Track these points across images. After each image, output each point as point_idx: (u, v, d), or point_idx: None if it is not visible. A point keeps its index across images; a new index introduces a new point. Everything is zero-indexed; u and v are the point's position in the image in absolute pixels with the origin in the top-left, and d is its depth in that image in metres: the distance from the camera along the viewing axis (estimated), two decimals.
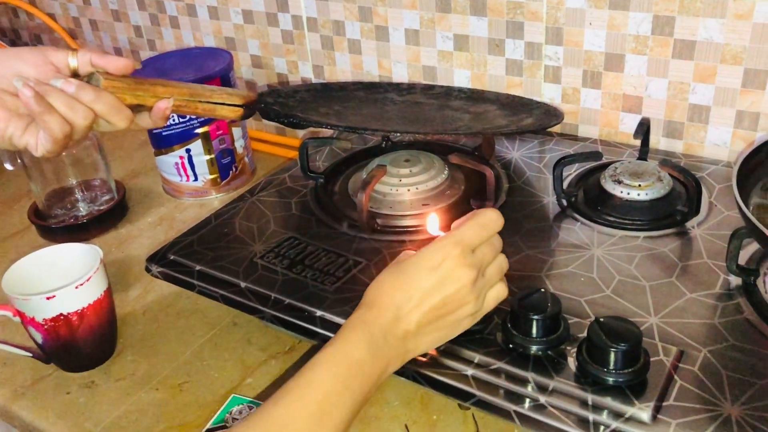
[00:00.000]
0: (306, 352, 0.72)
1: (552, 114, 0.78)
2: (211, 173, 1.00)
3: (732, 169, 0.77)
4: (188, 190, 1.02)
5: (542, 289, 0.57)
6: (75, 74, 0.62)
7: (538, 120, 0.74)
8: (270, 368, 0.71)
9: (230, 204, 0.82)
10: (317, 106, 0.79)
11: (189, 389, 0.70)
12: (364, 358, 0.49)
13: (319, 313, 0.63)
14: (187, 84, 0.67)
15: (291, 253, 0.71)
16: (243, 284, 0.68)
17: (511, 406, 0.53)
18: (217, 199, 1.02)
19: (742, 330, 0.57)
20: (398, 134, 0.71)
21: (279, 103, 0.77)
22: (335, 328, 0.62)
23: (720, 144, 0.82)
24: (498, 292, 0.56)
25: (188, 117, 0.95)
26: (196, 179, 1.00)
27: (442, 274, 0.52)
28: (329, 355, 0.48)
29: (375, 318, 0.51)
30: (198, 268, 0.71)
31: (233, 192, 1.02)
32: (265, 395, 0.68)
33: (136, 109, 0.63)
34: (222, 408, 0.66)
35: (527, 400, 0.53)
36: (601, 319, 0.54)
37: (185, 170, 1.00)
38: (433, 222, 0.59)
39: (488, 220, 0.55)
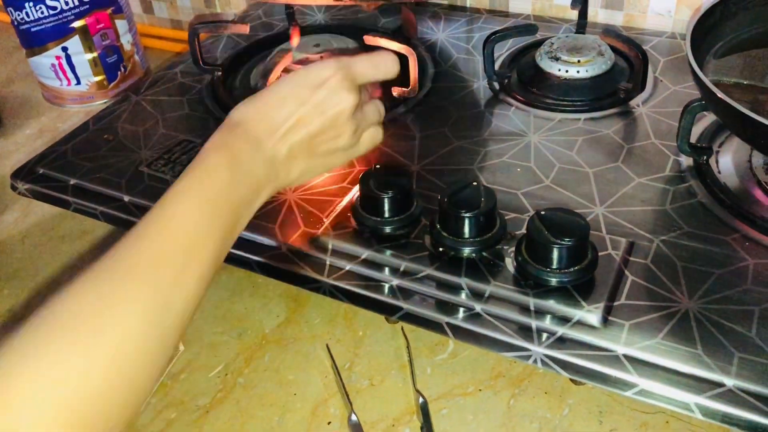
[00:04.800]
0: None
1: None
2: (95, 75, 0.87)
3: (680, 41, 0.70)
4: (71, 95, 0.88)
5: (474, 183, 0.49)
6: None
7: None
8: None
9: (111, 106, 0.70)
10: None
11: None
12: (228, 183, 0.41)
13: None
14: None
15: (183, 159, 0.61)
16: (127, 198, 0.58)
17: (442, 318, 0.46)
18: (106, 105, 0.88)
19: (696, 215, 0.51)
20: None
21: None
22: (237, 240, 0.53)
23: (663, 13, 0.74)
24: (373, 134, 0.48)
25: (60, 8, 0.81)
26: (78, 83, 0.87)
27: (324, 94, 0.44)
28: (190, 185, 0.40)
29: (239, 138, 0.43)
30: (73, 182, 0.60)
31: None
32: None
33: None
34: None
35: (461, 309, 0.46)
36: (542, 212, 0.46)
37: (64, 72, 0.86)
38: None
39: (383, 61, 0.47)
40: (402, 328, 0.54)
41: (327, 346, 0.54)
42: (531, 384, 0.51)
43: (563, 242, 0.44)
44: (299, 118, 0.44)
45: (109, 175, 0.60)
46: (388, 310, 0.48)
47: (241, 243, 0.53)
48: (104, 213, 0.58)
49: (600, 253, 0.47)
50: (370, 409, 0.50)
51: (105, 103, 0.88)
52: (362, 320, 0.56)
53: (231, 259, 0.53)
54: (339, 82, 0.44)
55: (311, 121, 0.44)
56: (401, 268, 0.49)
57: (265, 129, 0.43)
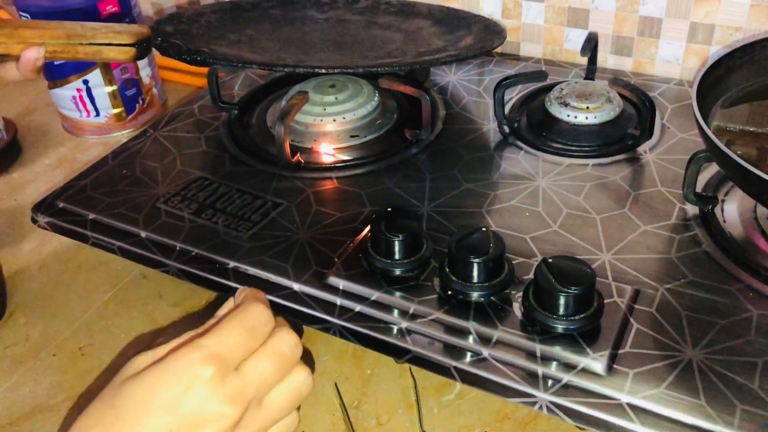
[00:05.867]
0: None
1: (493, 31, 0.70)
2: (114, 107, 0.89)
3: (687, 88, 0.71)
4: (90, 127, 0.90)
5: (483, 228, 0.50)
6: None
7: (479, 39, 0.66)
8: (184, 327, 0.63)
9: (130, 141, 0.72)
10: (226, 31, 0.69)
11: (91, 353, 0.61)
12: None
13: (231, 264, 0.55)
14: (62, 23, 0.56)
15: (200, 196, 0.62)
16: (144, 234, 0.59)
17: (450, 362, 0.47)
18: (124, 137, 0.91)
19: (701, 264, 0.52)
20: (323, 71, 0.61)
21: (180, 32, 0.67)
22: (250, 280, 0.54)
23: (672, 61, 0.75)
24: (287, 426, 0.39)
25: None
26: (97, 115, 0.89)
27: (181, 418, 0.33)
28: None
29: None
30: (92, 216, 0.62)
31: (143, 128, 0.91)
32: None
33: None
34: None
35: (468, 354, 0.47)
36: (549, 260, 0.47)
37: (84, 105, 0.88)
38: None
39: (255, 320, 0.38)
40: (410, 369, 0.55)
41: (336, 385, 0.55)
42: (536, 427, 0.51)
43: (570, 290, 0.45)
44: None
45: (127, 211, 0.61)
46: (396, 353, 0.49)
47: (254, 282, 0.54)
48: (121, 248, 0.59)
49: (606, 300, 0.48)
50: None
51: (122, 134, 0.90)
52: (370, 358, 0.57)
53: None
54: (205, 393, 0.34)
55: None
56: (410, 311, 0.50)
57: None
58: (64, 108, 0.90)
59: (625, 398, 0.43)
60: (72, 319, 0.65)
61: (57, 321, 0.65)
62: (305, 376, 0.38)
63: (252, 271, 0.54)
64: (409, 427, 0.52)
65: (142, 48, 0.59)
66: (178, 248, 0.57)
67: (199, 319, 0.64)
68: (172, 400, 0.33)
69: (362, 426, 0.52)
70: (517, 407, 0.52)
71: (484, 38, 0.66)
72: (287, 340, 0.38)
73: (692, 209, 0.57)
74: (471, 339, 0.48)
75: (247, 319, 0.38)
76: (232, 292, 0.55)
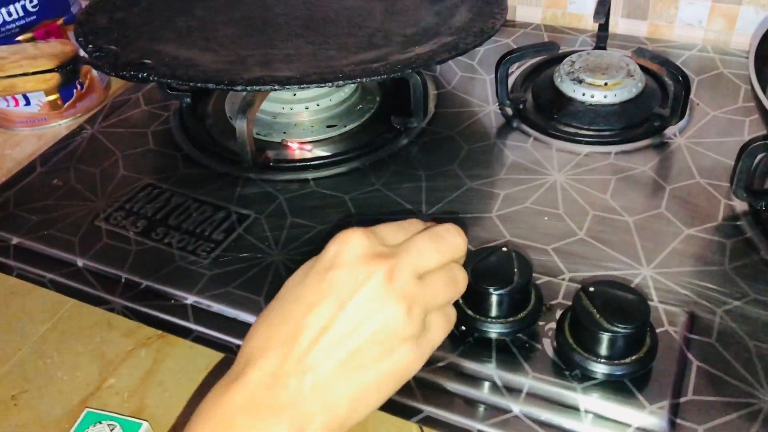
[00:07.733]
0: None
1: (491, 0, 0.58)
2: (47, 94, 0.76)
3: (714, 56, 0.62)
4: (20, 118, 0.78)
5: (504, 248, 0.40)
6: None
7: (476, 12, 0.55)
8: (139, 361, 0.53)
9: (62, 141, 0.60)
10: (172, 15, 0.57)
11: (27, 402, 0.51)
12: None
13: (190, 299, 0.45)
14: None
15: (148, 210, 0.51)
16: (80, 262, 0.48)
17: (473, 424, 0.38)
18: (62, 128, 0.78)
19: (763, 276, 0.43)
20: (302, 87, 0.48)
21: (116, 24, 0.55)
22: (213, 319, 0.44)
23: (694, 24, 0.65)
24: (444, 315, 0.34)
25: (2, 20, 0.70)
26: (28, 103, 0.76)
27: (335, 274, 0.31)
28: None
29: (244, 385, 0.30)
30: (15, 241, 0.50)
31: (83, 116, 0.79)
32: (133, 403, 0.50)
33: None
34: (73, 429, 0.48)
35: (494, 410, 0.38)
36: (591, 288, 0.38)
37: None
38: None
39: (444, 235, 0.35)
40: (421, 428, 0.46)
41: None
42: None
43: (621, 328, 0.36)
44: (308, 325, 0.31)
45: (60, 232, 0.50)
46: (405, 412, 0.39)
47: (219, 322, 0.44)
48: (54, 281, 0.48)
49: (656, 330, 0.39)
50: None
51: (60, 125, 0.78)
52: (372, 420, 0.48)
53: (209, 342, 0.45)
54: (352, 249, 0.32)
55: (329, 320, 0.31)
56: None
57: (274, 363, 0.30)
58: None
59: None
60: (2, 359, 0.54)
61: None
62: (461, 271, 0.35)
63: (216, 308, 0.44)
64: None
65: (67, 72, 0.48)
66: (123, 279, 0.47)
67: (157, 354, 0.55)
68: (324, 265, 0.32)
69: None
70: None
71: (482, 9, 0.55)
72: (451, 230, 0.35)
73: (741, 205, 0.48)
74: (495, 390, 0.38)
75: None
76: (192, 335, 0.45)
